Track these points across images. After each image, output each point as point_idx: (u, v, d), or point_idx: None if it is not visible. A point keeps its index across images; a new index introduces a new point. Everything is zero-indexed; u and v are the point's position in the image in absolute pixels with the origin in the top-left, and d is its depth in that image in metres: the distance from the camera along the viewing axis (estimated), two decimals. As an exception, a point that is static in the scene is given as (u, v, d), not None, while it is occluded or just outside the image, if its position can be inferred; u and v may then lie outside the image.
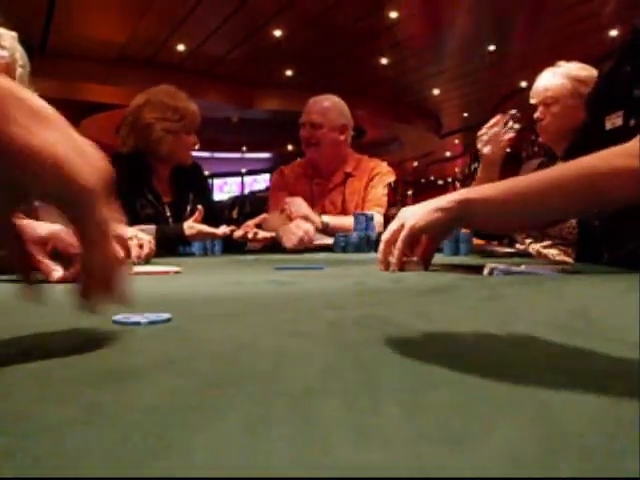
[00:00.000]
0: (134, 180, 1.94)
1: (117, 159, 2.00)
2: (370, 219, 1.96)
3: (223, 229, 1.79)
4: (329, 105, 2.34)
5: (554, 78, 1.89)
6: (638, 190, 0.76)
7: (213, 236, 1.80)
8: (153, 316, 0.45)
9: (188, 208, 2.04)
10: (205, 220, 1.80)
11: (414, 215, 0.91)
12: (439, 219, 0.87)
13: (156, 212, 1.97)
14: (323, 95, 2.40)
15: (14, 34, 1.40)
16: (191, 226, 1.77)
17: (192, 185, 2.10)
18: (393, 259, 0.91)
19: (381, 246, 0.94)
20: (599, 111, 1.12)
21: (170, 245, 1.75)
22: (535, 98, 1.93)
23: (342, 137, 2.33)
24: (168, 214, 2.01)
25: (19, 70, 1.40)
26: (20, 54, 1.40)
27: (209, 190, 2.47)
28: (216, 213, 2.19)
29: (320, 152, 2.32)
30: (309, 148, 2.34)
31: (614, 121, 1.06)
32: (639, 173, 0.77)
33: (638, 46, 1.06)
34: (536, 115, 1.90)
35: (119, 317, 0.45)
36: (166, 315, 0.45)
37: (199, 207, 1.80)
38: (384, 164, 2.40)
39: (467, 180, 13.14)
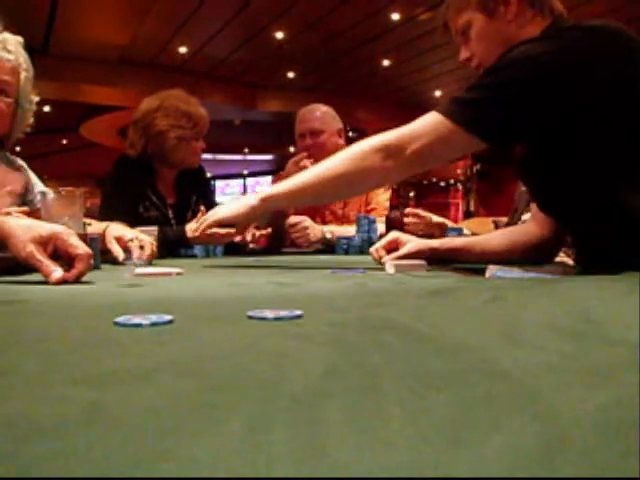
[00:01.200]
0: (139, 182, 1.94)
1: (123, 161, 2.01)
2: (372, 222, 1.97)
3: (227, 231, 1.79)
4: (324, 111, 2.36)
5: None
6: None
7: (216, 240, 1.78)
8: (155, 317, 0.45)
9: (191, 210, 2.04)
10: None
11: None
12: (247, 213, 1.18)
13: (160, 214, 1.97)
14: (311, 105, 2.41)
15: (20, 39, 1.41)
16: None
17: (195, 187, 2.10)
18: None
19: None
20: None
21: (172, 248, 1.75)
22: None
23: (340, 141, 2.34)
24: (171, 216, 2.01)
25: (23, 74, 1.41)
26: (24, 58, 1.41)
27: (212, 192, 2.47)
28: None
29: (324, 157, 2.30)
30: (313, 156, 2.29)
31: None
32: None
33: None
34: None
35: (121, 319, 0.45)
36: (168, 317, 0.45)
37: (202, 208, 1.80)
38: None
39: (469, 182, 13.12)
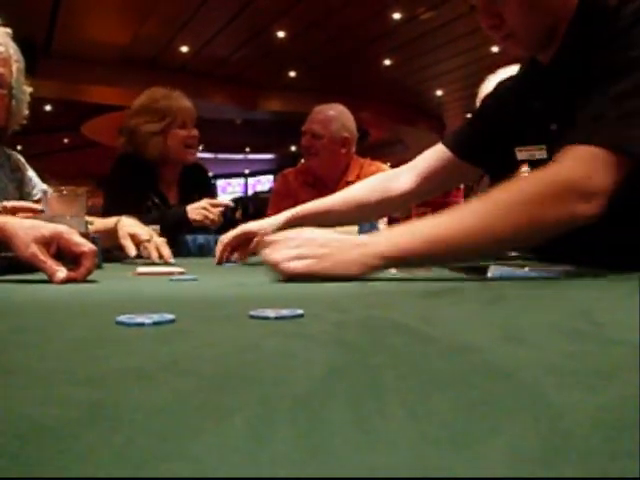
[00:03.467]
0: (140, 183, 1.96)
1: (123, 160, 2.03)
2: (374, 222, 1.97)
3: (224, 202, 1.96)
4: (332, 116, 2.31)
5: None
6: None
7: (212, 222, 1.83)
8: (157, 317, 0.45)
9: None
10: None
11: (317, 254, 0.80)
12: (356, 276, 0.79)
13: None
14: (329, 104, 2.38)
15: (8, 30, 1.41)
16: (195, 207, 1.83)
17: (197, 186, 2.12)
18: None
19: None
20: (505, 138, 1.09)
21: (174, 229, 1.78)
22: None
23: (343, 150, 2.30)
24: None
25: (15, 65, 1.41)
26: (14, 50, 1.41)
27: (214, 191, 2.49)
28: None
29: (319, 162, 2.32)
30: (309, 157, 2.34)
31: (533, 153, 1.04)
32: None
33: (539, 81, 1.05)
34: None
35: (123, 318, 0.45)
36: (170, 316, 0.46)
37: (205, 200, 1.85)
38: (385, 167, 2.38)
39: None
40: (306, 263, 0.77)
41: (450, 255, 0.82)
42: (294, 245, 0.80)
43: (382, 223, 2.06)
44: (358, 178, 2.31)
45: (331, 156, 2.29)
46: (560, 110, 0.96)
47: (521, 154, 1.07)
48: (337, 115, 2.33)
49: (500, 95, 1.20)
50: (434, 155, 1.24)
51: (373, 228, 1.95)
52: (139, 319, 0.44)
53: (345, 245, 0.80)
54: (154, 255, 1.34)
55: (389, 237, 0.82)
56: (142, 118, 2.02)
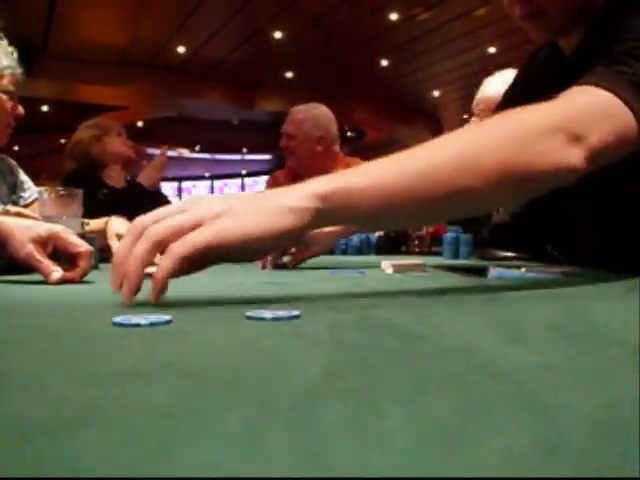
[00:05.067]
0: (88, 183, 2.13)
1: (70, 178, 2.35)
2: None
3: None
4: (304, 116, 2.35)
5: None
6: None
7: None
8: (154, 317, 0.45)
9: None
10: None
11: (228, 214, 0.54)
12: (292, 228, 0.55)
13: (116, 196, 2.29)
14: (306, 104, 2.42)
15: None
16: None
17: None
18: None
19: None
20: None
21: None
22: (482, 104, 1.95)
23: (319, 148, 2.33)
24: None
25: (7, 71, 1.40)
26: (6, 58, 1.40)
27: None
28: None
29: (296, 161, 2.37)
30: (287, 157, 2.40)
31: None
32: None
33: (562, 70, 0.94)
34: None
35: (119, 319, 0.45)
36: (166, 317, 0.45)
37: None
38: None
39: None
40: (193, 238, 0.52)
41: (413, 202, 0.59)
42: (178, 211, 0.55)
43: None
44: None
45: (307, 155, 2.33)
46: None
47: None
48: (310, 115, 2.36)
49: (523, 83, 1.13)
50: None
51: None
52: (135, 320, 0.44)
53: (254, 195, 0.58)
54: None
55: (329, 176, 0.59)
56: (84, 134, 2.41)
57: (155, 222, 0.54)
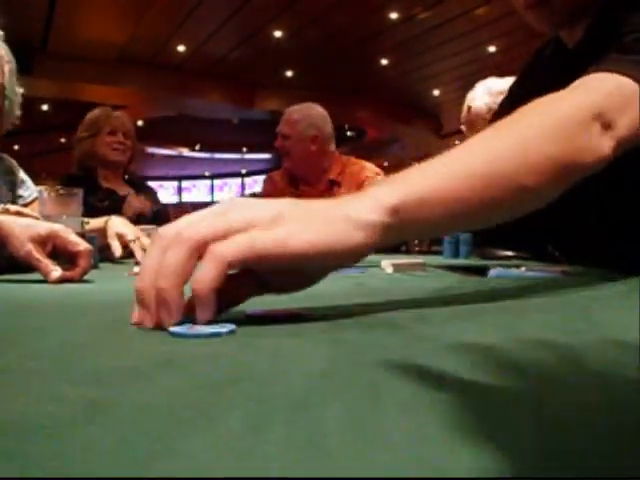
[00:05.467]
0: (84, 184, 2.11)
1: (67, 179, 2.24)
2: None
3: None
4: (299, 116, 2.36)
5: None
6: None
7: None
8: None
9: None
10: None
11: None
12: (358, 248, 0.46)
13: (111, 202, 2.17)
14: (301, 104, 2.43)
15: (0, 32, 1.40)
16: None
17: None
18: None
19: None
20: None
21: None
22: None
23: (313, 147, 2.33)
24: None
25: (7, 66, 1.40)
26: (5, 51, 1.40)
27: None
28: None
29: (291, 161, 2.37)
30: (283, 157, 2.40)
31: None
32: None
33: (565, 66, 0.92)
34: None
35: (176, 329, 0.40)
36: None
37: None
38: (370, 166, 2.40)
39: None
40: (245, 239, 0.41)
41: (482, 206, 0.53)
42: (218, 213, 0.43)
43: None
44: (340, 176, 2.34)
45: (302, 155, 2.33)
46: None
47: None
48: (304, 115, 2.36)
49: (530, 77, 1.13)
50: None
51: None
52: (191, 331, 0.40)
53: (311, 203, 0.46)
54: (139, 255, 1.34)
55: (391, 180, 0.51)
56: (78, 133, 2.31)
57: (189, 227, 0.42)
